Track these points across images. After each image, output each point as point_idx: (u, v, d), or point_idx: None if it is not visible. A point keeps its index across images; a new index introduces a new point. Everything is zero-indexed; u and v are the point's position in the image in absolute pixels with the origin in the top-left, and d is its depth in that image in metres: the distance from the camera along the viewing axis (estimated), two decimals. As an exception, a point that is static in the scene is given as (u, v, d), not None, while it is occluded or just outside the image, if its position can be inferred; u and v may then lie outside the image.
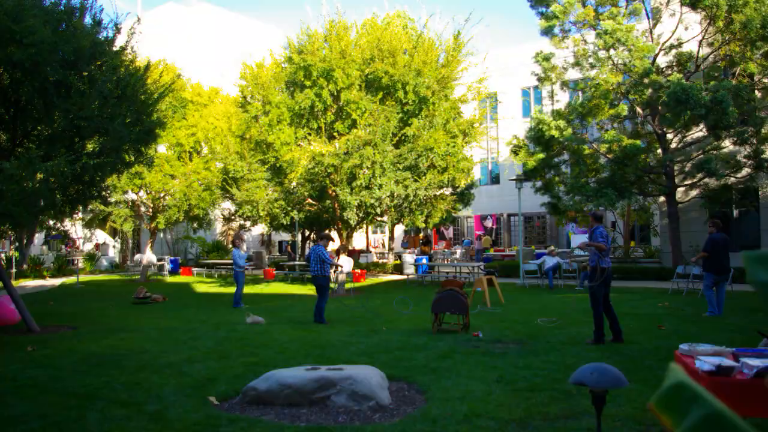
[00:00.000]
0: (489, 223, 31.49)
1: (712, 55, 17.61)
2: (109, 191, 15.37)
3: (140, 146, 11.90)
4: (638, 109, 18.17)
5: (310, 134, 17.58)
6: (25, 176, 8.81)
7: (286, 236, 32.67)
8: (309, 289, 18.60)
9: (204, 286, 21.46)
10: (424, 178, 17.25)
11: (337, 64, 16.87)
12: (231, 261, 15.82)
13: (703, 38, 17.17)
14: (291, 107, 17.47)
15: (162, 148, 22.86)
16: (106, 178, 12.04)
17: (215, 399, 6.09)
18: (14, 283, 14.50)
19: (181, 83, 24.46)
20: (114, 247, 34.25)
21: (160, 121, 12.46)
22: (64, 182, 9.95)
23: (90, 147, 11.05)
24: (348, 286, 18.09)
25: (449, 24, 56.89)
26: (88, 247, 33.15)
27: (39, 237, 31.44)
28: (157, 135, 12.33)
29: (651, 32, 18.14)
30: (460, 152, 18.39)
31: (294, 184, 18.66)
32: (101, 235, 33.69)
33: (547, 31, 18.62)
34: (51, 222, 23.78)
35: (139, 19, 11.46)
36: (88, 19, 10.89)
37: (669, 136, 17.72)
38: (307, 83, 17.24)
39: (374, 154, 16.47)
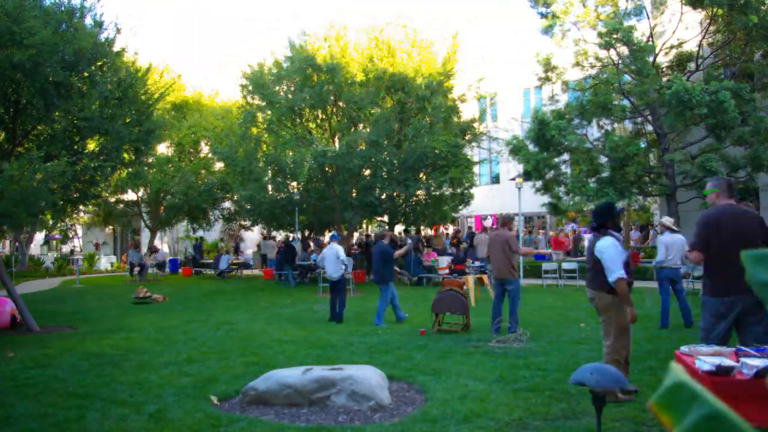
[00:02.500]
0: (489, 223, 31.47)
1: (712, 55, 17.60)
2: (109, 191, 15.39)
3: (140, 146, 11.91)
4: (639, 109, 18.15)
5: (311, 133, 17.59)
6: (26, 177, 8.82)
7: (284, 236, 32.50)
8: (310, 290, 18.61)
9: (205, 285, 21.44)
10: (424, 177, 17.26)
11: (337, 63, 16.88)
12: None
13: (703, 38, 17.16)
14: (291, 106, 17.48)
15: (161, 148, 22.87)
16: (107, 179, 12.05)
17: (216, 399, 6.09)
18: (14, 282, 14.50)
19: (180, 86, 24.47)
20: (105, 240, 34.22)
21: (161, 122, 12.48)
22: (64, 183, 9.96)
23: (90, 147, 11.07)
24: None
25: (447, 24, 56.89)
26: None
27: (39, 237, 31.47)
28: (157, 135, 12.35)
29: (651, 32, 18.13)
30: (461, 152, 18.39)
31: (295, 183, 18.64)
32: (101, 235, 33.71)
33: (547, 31, 18.60)
34: (51, 221, 23.79)
35: (139, 19, 11.45)
36: (88, 20, 10.90)
37: (669, 136, 17.71)
38: (308, 82, 17.25)
39: (375, 153, 16.47)
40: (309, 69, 17.15)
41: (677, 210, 17.62)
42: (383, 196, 17.79)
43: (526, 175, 19.18)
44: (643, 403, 5.53)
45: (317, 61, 16.96)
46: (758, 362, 3.67)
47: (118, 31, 11.20)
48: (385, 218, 21.38)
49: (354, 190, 17.24)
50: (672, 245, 9.81)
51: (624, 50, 16.92)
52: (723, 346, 4.47)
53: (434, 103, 17.05)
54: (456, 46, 18.26)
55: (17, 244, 29.46)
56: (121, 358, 8.29)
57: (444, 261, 16.61)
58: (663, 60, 18.21)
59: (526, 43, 22.49)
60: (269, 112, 18.44)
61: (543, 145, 18.36)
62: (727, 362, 3.72)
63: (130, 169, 13.27)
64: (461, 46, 18.38)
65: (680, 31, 17.55)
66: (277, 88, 18.65)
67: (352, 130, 17.21)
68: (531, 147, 18.96)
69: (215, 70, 24.54)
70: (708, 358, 3.83)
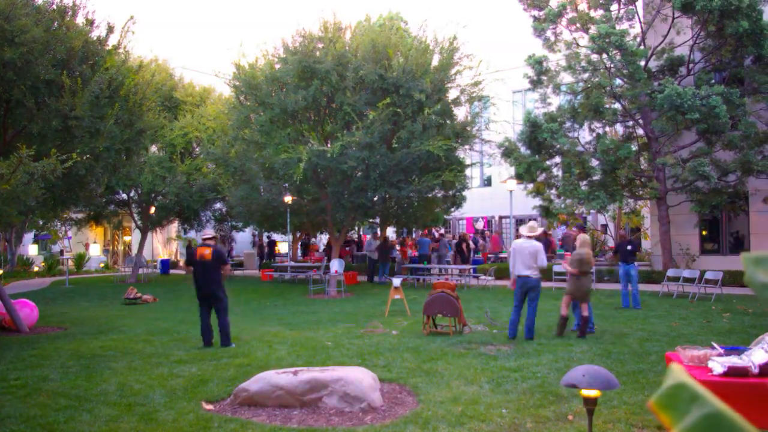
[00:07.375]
0: (480, 225, 31.60)
1: (703, 60, 17.73)
2: (99, 191, 15.28)
3: (131, 146, 11.85)
4: (630, 113, 18.26)
5: (303, 135, 17.53)
6: (16, 175, 8.75)
7: (278, 237, 32.40)
8: (300, 291, 18.57)
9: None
10: (417, 180, 17.24)
11: (332, 65, 16.82)
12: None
13: (694, 43, 17.29)
14: (284, 108, 17.41)
15: (154, 148, 22.75)
16: (98, 179, 11.97)
17: (206, 402, 6.06)
18: (3, 282, 14.38)
19: (172, 83, 24.36)
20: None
21: (152, 123, 12.40)
22: (55, 182, 9.89)
23: (81, 147, 10.99)
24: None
25: (443, 27, 56.97)
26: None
27: (28, 236, 31.22)
28: (149, 136, 12.27)
29: (644, 36, 18.24)
30: (453, 155, 18.41)
31: (287, 185, 18.58)
32: (91, 235, 33.51)
33: (540, 35, 18.67)
34: (41, 221, 23.57)
35: (132, 18, 11.38)
36: (80, 19, 10.84)
37: (660, 139, 17.83)
38: (301, 84, 17.19)
39: (368, 156, 16.45)
40: (302, 71, 17.08)
41: (668, 213, 17.75)
42: (375, 198, 17.78)
43: (518, 178, 19.26)
44: (635, 405, 5.56)
45: (311, 63, 16.90)
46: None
47: (111, 29, 11.14)
48: (377, 220, 21.37)
49: (346, 192, 17.22)
50: None
51: (616, 54, 17.01)
52: None
53: (428, 107, 17.02)
54: (452, 50, 18.25)
55: (6, 243, 29.22)
56: (111, 358, 8.23)
57: None
58: (654, 64, 18.33)
59: (519, 46, 22.57)
60: (262, 114, 18.38)
61: (535, 147, 18.44)
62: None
63: (121, 170, 13.17)
64: (457, 51, 18.35)
65: (672, 35, 17.68)
66: (270, 89, 18.55)
67: (345, 132, 17.18)
68: (523, 150, 19.04)
69: (210, 70, 24.33)
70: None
